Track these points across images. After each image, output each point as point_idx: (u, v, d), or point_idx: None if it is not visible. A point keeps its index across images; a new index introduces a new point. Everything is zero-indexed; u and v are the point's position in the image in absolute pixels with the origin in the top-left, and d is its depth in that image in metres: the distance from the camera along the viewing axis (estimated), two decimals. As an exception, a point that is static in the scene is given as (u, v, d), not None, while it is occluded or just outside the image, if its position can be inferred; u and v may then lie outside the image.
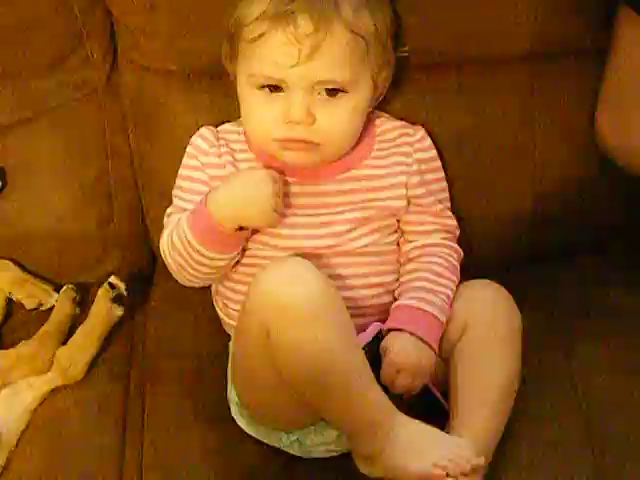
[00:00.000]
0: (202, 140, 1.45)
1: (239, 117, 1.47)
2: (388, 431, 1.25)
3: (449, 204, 1.49)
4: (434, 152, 1.48)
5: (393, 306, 1.39)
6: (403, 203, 1.42)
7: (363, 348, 1.30)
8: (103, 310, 1.52)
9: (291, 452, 1.37)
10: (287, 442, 1.36)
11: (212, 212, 1.33)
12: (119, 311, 1.53)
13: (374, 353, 1.33)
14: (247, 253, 1.41)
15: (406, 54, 1.45)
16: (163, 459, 1.39)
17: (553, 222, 1.59)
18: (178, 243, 1.36)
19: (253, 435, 1.40)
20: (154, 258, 1.67)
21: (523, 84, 1.54)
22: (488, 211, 1.57)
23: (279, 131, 1.36)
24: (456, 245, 1.47)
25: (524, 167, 1.56)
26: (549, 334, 1.51)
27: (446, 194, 1.49)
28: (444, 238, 1.46)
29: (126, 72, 1.58)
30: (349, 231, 1.40)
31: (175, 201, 1.45)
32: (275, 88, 1.34)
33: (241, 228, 1.35)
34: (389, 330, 1.36)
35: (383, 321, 1.38)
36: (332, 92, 1.34)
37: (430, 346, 1.34)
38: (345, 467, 1.31)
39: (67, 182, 1.59)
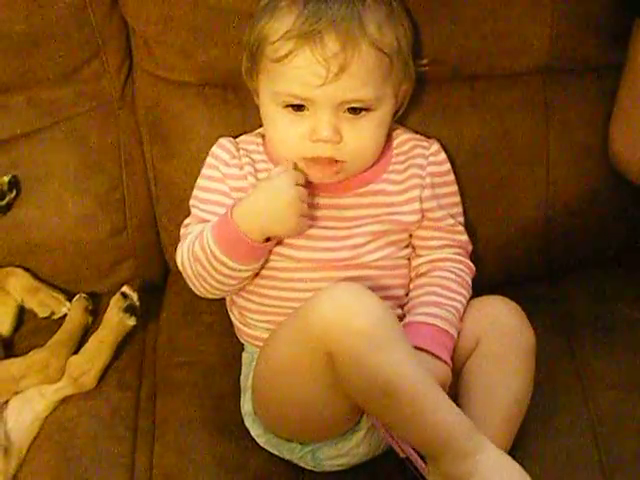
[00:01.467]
0: (223, 151, 1.44)
1: (254, 129, 1.48)
2: (473, 454, 1.22)
3: (462, 219, 1.48)
4: (448, 166, 1.48)
5: (402, 324, 1.38)
6: (418, 217, 1.43)
7: None
8: (115, 319, 1.52)
9: (302, 465, 1.37)
10: (300, 454, 1.36)
11: (238, 224, 1.32)
12: (131, 321, 1.52)
13: None
14: (265, 265, 1.41)
15: (426, 68, 1.46)
16: (174, 468, 1.39)
17: (565, 236, 1.59)
18: (201, 254, 1.36)
19: (265, 446, 1.40)
20: (167, 268, 1.67)
21: (537, 99, 1.54)
22: (500, 225, 1.57)
23: (306, 150, 1.35)
24: (468, 260, 1.46)
25: (537, 181, 1.56)
26: (560, 348, 1.51)
27: (459, 209, 1.49)
28: (455, 253, 1.45)
29: (141, 83, 1.59)
30: (365, 244, 1.40)
31: (193, 212, 1.44)
32: (299, 107, 1.34)
33: (267, 239, 1.35)
34: None
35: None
36: (357, 110, 1.34)
37: (442, 360, 1.34)
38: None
39: (81, 191, 1.60)
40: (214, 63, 1.52)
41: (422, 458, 1.30)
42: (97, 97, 1.60)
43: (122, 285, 1.56)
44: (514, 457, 1.29)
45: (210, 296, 1.42)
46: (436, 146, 1.47)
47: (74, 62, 1.57)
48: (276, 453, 1.39)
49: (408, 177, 1.43)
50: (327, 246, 1.40)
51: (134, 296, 1.53)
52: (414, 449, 1.30)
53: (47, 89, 1.58)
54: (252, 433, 1.41)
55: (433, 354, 1.33)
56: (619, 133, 1.51)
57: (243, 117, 1.52)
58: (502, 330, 1.37)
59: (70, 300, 1.59)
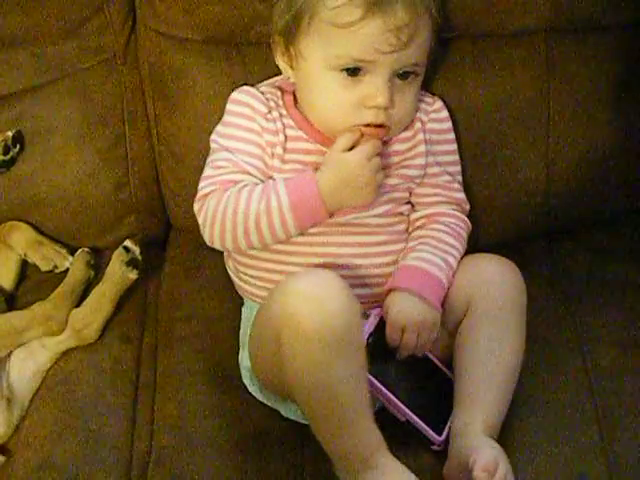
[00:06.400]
0: (260, 103, 1.41)
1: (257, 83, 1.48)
2: (372, 467, 1.25)
3: (460, 178, 1.49)
4: (449, 124, 1.48)
5: (395, 269, 1.40)
6: (422, 172, 1.44)
7: (368, 338, 1.31)
8: (117, 273, 1.52)
9: (300, 421, 1.37)
10: (297, 412, 1.37)
11: (325, 200, 1.33)
12: (133, 274, 1.53)
13: (380, 339, 1.33)
14: None
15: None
16: (174, 420, 1.41)
17: (565, 195, 1.59)
18: (262, 211, 1.34)
19: (263, 401, 1.41)
20: (169, 223, 1.68)
21: (539, 58, 1.54)
22: (500, 183, 1.57)
23: (360, 117, 1.35)
24: (464, 216, 1.47)
25: (537, 140, 1.56)
26: (558, 306, 1.52)
27: (457, 168, 1.49)
28: (451, 209, 1.46)
29: (145, 39, 1.59)
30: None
31: (228, 156, 1.40)
32: (355, 71, 1.33)
33: None
34: (390, 290, 1.37)
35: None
36: (408, 75, 1.35)
37: (431, 303, 1.35)
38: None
39: (84, 147, 1.60)
40: (217, 20, 1.52)
41: (423, 419, 1.32)
42: (100, 53, 1.60)
43: (124, 240, 1.56)
44: (515, 414, 1.33)
45: (228, 245, 1.39)
46: (439, 103, 1.48)
47: (78, 17, 1.57)
48: (274, 407, 1.40)
49: (415, 132, 1.44)
50: None
51: (136, 250, 1.53)
52: (414, 411, 1.32)
53: (51, 44, 1.58)
54: (250, 389, 1.42)
55: (420, 295, 1.35)
56: None
57: (245, 74, 1.53)
58: (497, 288, 1.38)
59: (72, 254, 1.60)
